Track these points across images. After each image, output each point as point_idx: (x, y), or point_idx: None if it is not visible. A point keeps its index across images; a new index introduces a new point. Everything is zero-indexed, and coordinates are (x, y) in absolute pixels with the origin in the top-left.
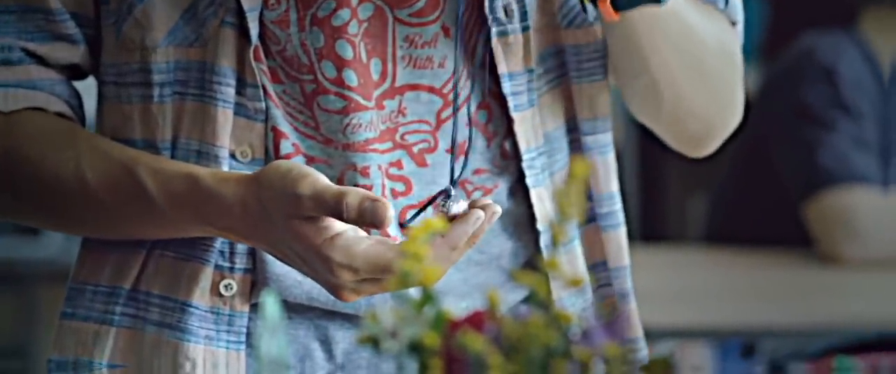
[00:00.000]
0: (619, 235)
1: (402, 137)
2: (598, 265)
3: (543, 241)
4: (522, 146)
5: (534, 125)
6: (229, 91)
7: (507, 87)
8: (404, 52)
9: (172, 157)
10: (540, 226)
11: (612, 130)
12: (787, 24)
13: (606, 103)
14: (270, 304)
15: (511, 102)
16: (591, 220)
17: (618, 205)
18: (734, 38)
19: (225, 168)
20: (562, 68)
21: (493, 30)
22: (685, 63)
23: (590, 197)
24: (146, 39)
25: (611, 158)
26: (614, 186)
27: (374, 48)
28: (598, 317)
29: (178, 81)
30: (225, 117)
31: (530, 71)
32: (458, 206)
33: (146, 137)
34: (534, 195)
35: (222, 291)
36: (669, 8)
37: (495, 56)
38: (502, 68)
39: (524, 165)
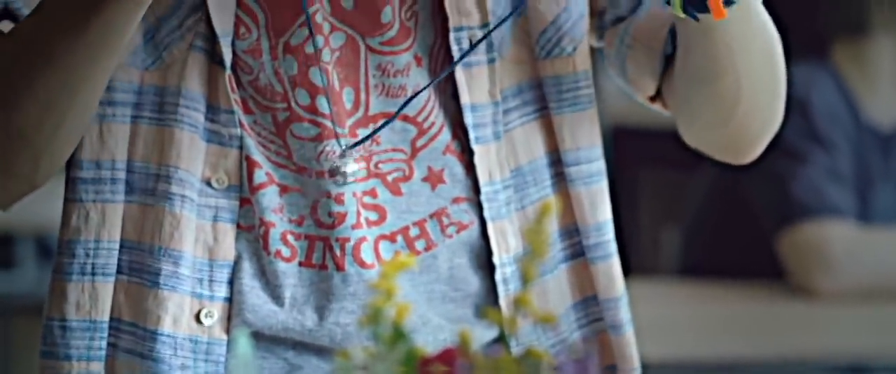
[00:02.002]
0: (609, 266)
1: (376, 165)
2: (589, 299)
3: (499, 276)
4: (482, 178)
5: (499, 158)
6: (197, 116)
7: (469, 118)
8: (377, 80)
9: (126, 180)
10: (495, 259)
11: (602, 159)
12: None
13: (592, 133)
14: (242, 340)
15: (472, 134)
16: (580, 254)
17: (609, 235)
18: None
19: (187, 193)
20: (541, 101)
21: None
22: (764, 58)
23: (576, 230)
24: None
25: (599, 187)
26: (605, 215)
27: (347, 77)
28: (569, 355)
29: (137, 103)
30: (191, 142)
31: (496, 103)
32: (351, 166)
33: (97, 157)
34: (491, 228)
35: (202, 319)
36: (752, 4)
37: (458, 86)
38: (465, 99)
39: (482, 197)
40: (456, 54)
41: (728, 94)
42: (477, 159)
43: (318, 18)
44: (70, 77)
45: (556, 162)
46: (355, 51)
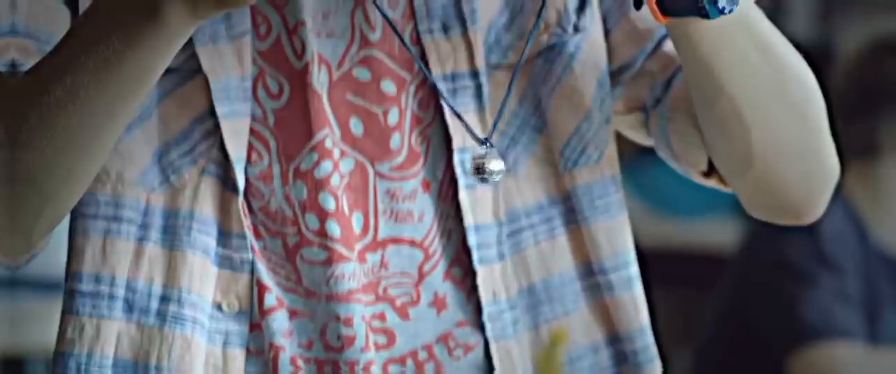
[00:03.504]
0: (654, 370)
1: (384, 290)
2: None
3: None
4: (485, 298)
5: (505, 278)
6: (208, 241)
7: (472, 239)
8: (386, 205)
9: (125, 298)
10: None
11: (636, 262)
12: None
13: (626, 238)
14: None
15: (475, 254)
16: (623, 361)
17: (650, 339)
18: (810, 72)
19: (197, 316)
20: (569, 213)
21: (462, 182)
22: (766, 82)
23: (618, 337)
24: (125, 173)
25: (639, 291)
26: (645, 317)
27: (356, 202)
28: None
29: (144, 224)
30: (203, 266)
31: (500, 223)
32: (495, 163)
33: (97, 271)
34: (494, 348)
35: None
36: (741, 20)
37: (462, 208)
38: (469, 220)
39: (484, 317)
40: (460, 176)
41: (729, 120)
42: (480, 280)
43: (328, 144)
44: (92, 116)
45: (589, 274)
46: (364, 176)
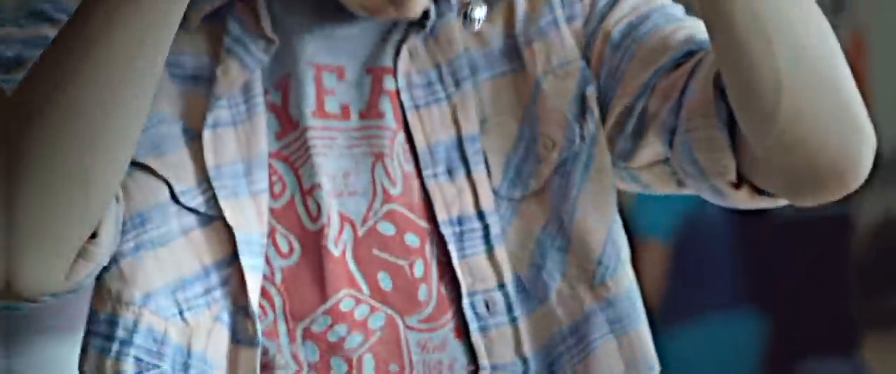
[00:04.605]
0: None
1: None
2: None
3: None
4: None
5: None
6: None
7: None
8: (419, 357)
9: None
10: None
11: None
12: (787, 348)
13: (650, 350)
14: None
15: None
16: None
17: None
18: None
19: None
20: (610, 324)
21: (473, 326)
22: (801, 29)
23: None
24: (123, 294)
25: None
26: None
27: (390, 356)
28: None
29: (159, 352)
30: None
31: (524, 361)
32: (480, 10)
33: None
34: None
35: None
36: None
37: (477, 352)
38: (484, 362)
39: None
40: (470, 319)
41: (762, 77)
42: None
43: (345, 307)
44: (113, 75)
45: None
46: (395, 330)
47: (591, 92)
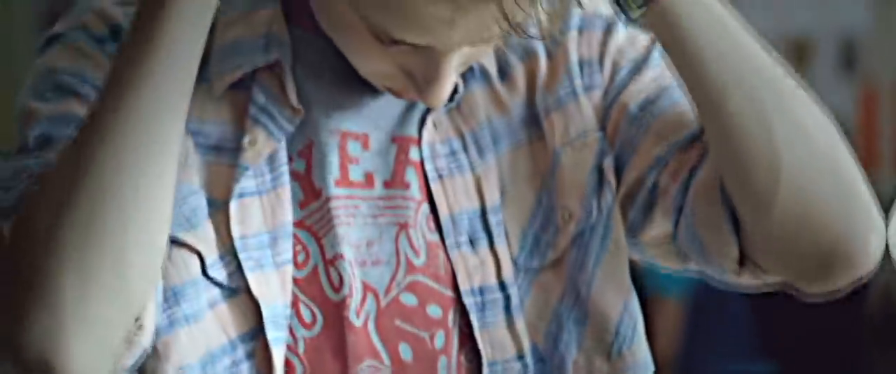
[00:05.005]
0: None
1: None
2: None
3: None
4: None
5: None
6: None
7: None
8: None
9: None
10: None
11: None
12: None
13: None
14: None
15: None
16: None
17: None
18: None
19: None
20: None
21: None
22: (759, 85)
23: None
24: (158, 370)
25: None
26: None
27: None
28: None
29: None
30: None
31: None
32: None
33: None
34: None
35: None
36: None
37: None
38: None
39: None
40: None
41: (741, 122)
42: None
43: None
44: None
45: None
46: None
47: (609, 164)
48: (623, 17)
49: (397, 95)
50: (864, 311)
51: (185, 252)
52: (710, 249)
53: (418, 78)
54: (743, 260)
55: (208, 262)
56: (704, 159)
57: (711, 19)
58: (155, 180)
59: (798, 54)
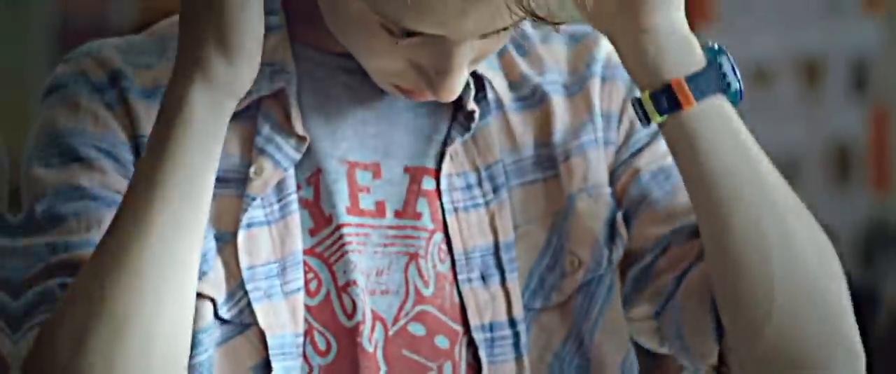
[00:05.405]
0: None
1: None
2: None
3: None
4: None
5: None
6: None
7: None
8: None
9: None
10: None
11: None
12: None
13: None
14: None
15: None
16: None
17: None
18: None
19: None
20: None
21: None
22: (761, 198)
23: None
24: None
25: None
26: None
27: None
28: None
29: None
30: None
31: None
32: None
33: None
34: None
35: None
36: (741, 135)
37: None
38: None
39: None
40: None
41: (742, 244)
42: None
43: None
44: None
45: None
46: None
47: (621, 218)
48: (644, 121)
49: (406, 94)
50: (873, 333)
51: (198, 302)
52: (690, 344)
53: (430, 71)
54: (720, 367)
55: (219, 303)
56: (703, 257)
57: (728, 135)
58: (175, 294)
59: (809, 74)
